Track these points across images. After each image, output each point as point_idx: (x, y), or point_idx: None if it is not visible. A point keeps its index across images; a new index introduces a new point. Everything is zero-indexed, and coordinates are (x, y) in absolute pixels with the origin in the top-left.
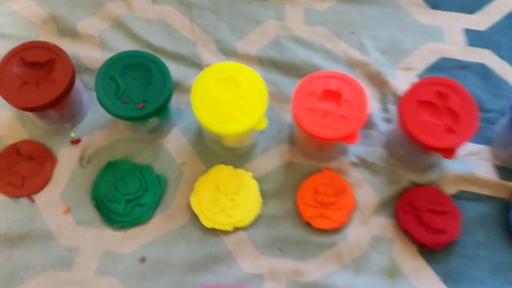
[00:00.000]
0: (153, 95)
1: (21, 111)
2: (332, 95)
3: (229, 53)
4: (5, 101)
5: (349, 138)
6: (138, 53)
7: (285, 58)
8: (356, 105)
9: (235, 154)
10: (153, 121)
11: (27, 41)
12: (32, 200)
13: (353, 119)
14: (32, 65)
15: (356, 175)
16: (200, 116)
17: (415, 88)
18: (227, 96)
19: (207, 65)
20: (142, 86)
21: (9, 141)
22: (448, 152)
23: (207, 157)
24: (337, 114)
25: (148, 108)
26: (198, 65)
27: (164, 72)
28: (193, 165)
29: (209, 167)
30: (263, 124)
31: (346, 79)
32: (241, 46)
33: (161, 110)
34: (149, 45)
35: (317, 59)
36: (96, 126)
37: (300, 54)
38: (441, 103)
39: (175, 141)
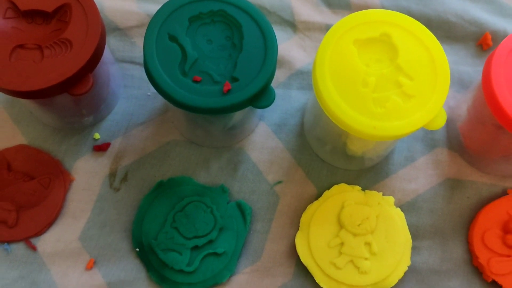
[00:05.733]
0: (247, 70)
1: (12, 96)
2: None
3: (337, 3)
4: None
5: None
6: None
7: (428, 11)
8: None
9: (361, 167)
10: (237, 114)
11: None
12: (33, 248)
13: None
14: (30, 15)
15: None
16: (335, 106)
17: None
18: (380, 71)
19: (304, 22)
20: (225, 53)
21: None
22: None
23: (317, 172)
24: None
25: (239, 93)
26: (290, 23)
27: (262, 28)
28: (295, 185)
29: (321, 188)
30: (442, 119)
31: None
32: None
33: (260, 96)
34: None
35: (480, 13)
36: (134, 121)
37: (451, 5)
38: None
39: (262, 146)
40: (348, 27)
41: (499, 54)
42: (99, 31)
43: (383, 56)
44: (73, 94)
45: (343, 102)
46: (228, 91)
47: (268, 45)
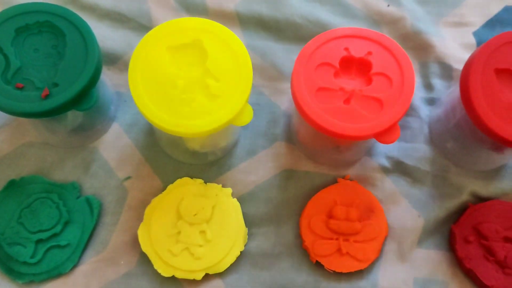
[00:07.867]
0: (67, 75)
1: None
2: (358, 66)
3: (194, 8)
4: None
5: (386, 134)
6: (41, 7)
7: (277, 14)
8: (396, 80)
9: (205, 161)
10: (75, 116)
11: None
12: None
13: (391, 103)
14: None
15: (389, 187)
16: (145, 107)
17: (490, 49)
18: (189, 74)
19: None
20: (50, 60)
21: None
22: None
23: (163, 167)
24: (366, 96)
25: (57, 97)
26: (148, 28)
27: (85, 36)
28: (142, 180)
29: (167, 182)
30: (248, 116)
31: (378, 39)
32: None
33: (82, 99)
34: None
35: (325, 15)
36: None
37: (299, 8)
38: None
39: (114, 145)
40: (162, 34)
41: (302, 54)
42: None
43: (194, 60)
44: None
45: (151, 104)
46: (47, 96)
47: (89, 52)
